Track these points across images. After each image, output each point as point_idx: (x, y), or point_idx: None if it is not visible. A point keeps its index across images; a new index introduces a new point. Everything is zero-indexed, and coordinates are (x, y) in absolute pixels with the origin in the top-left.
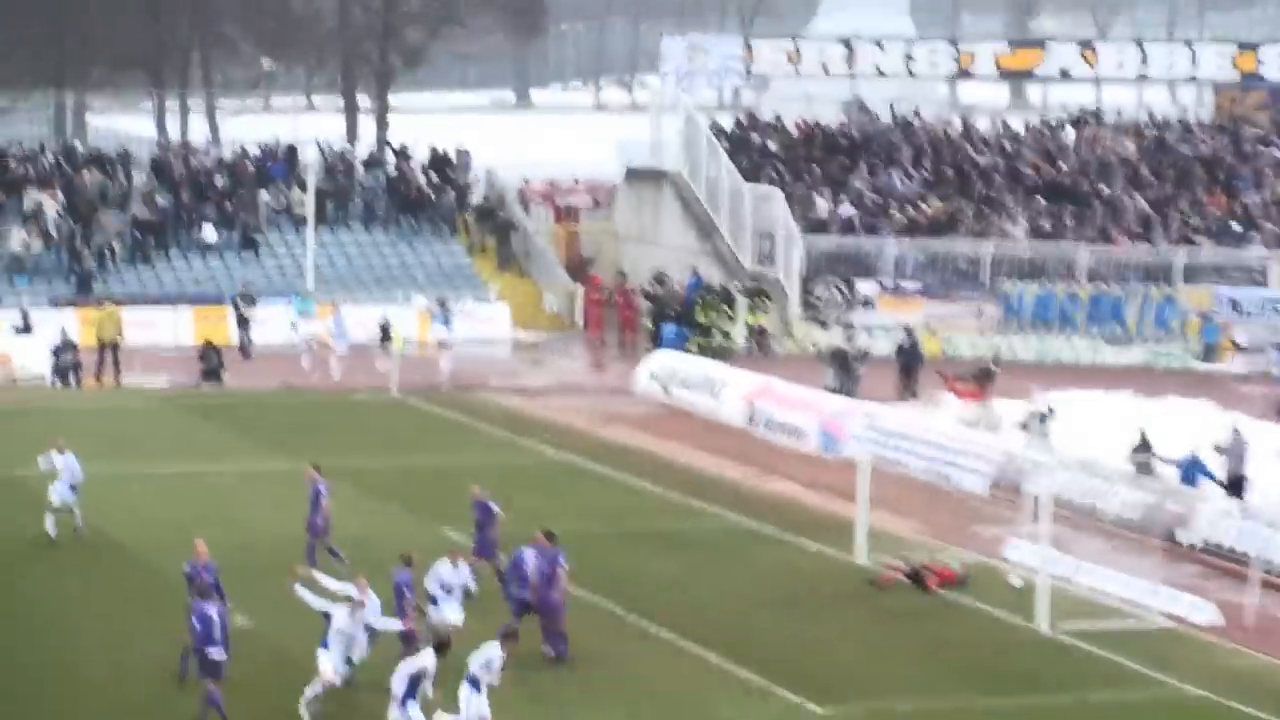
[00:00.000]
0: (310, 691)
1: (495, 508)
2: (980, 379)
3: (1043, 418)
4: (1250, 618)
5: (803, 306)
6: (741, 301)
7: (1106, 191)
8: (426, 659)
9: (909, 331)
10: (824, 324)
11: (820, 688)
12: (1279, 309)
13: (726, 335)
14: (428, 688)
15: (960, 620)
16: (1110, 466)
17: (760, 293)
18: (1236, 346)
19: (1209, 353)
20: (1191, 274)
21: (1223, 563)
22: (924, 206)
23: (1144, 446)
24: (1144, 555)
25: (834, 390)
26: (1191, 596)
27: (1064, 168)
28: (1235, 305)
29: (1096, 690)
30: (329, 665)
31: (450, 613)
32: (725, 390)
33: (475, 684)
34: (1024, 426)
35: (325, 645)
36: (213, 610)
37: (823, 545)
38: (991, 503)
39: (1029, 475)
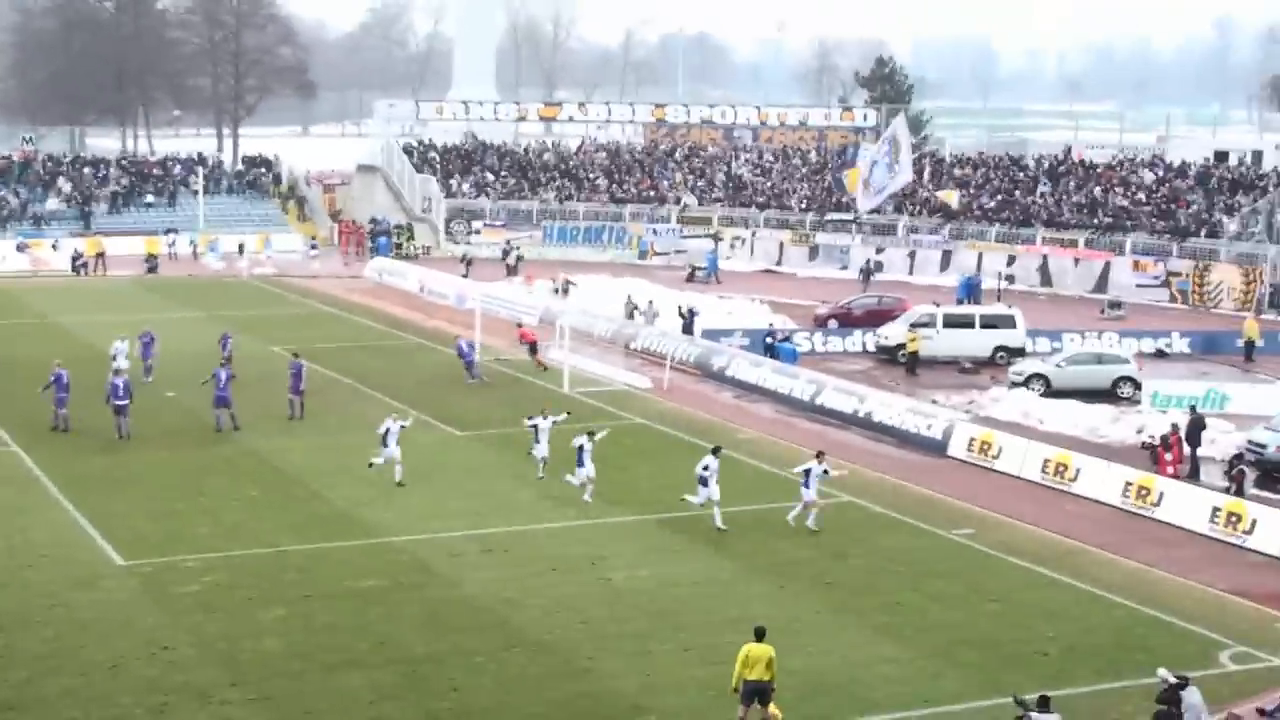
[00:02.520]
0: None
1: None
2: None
3: (566, 287)
4: (665, 385)
5: (446, 234)
6: (416, 230)
7: (591, 179)
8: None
9: (509, 243)
10: (457, 242)
11: (458, 423)
12: (675, 234)
13: (409, 249)
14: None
15: (522, 388)
16: (598, 310)
17: (412, 228)
18: (656, 252)
19: (643, 255)
20: (635, 217)
21: (652, 358)
22: (501, 187)
23: (631, 303)
24: (614, 354)
25: (463, 276)
26: (637, 375)
27: (570, 165)
28: (655, 232)
29: (591, 420)
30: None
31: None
32: (409, 275)
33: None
34: (555, 291)
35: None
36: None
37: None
38: (542, 329)
39: (558, 315)
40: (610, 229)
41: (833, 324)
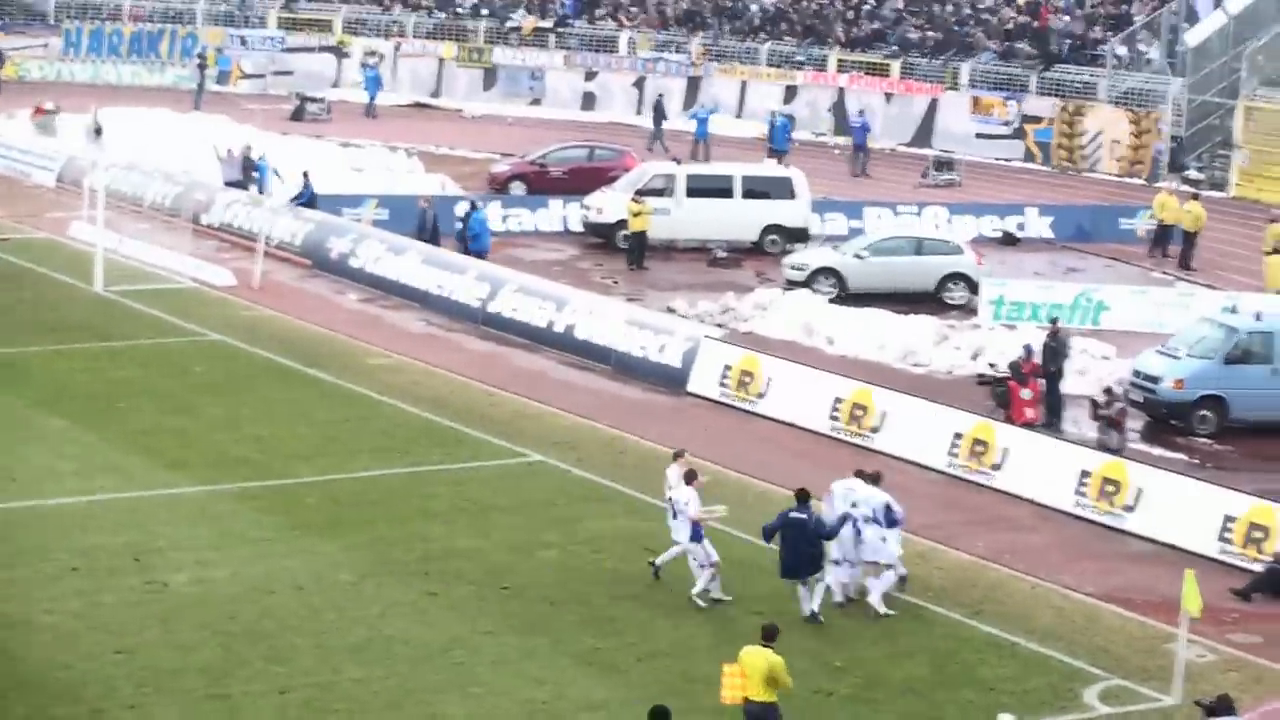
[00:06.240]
0: None
1: None
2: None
3: (98, 130)
4: (256, 280)
5: None
6: None
7: None
8: None
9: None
10: None
11: None
12: (274, 45)
13: None
14: None
15: (32, 282)
16: (150, 165)
17: None
18: (244, 74)
19: (223, 78)
20: (209, 17)
21: (236, 238)
22: None
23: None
24: (176, 233)
25: None
26: (212, 265)
27: None
28: (243, 41)
29: (143, 337)
30: None
31: None
32: None
33: None
34: (94, 133)
35: None
36: None
37: None
38: (58, 193)
39: (87, 171)
40: (171, 36)
41: (517, 188)
